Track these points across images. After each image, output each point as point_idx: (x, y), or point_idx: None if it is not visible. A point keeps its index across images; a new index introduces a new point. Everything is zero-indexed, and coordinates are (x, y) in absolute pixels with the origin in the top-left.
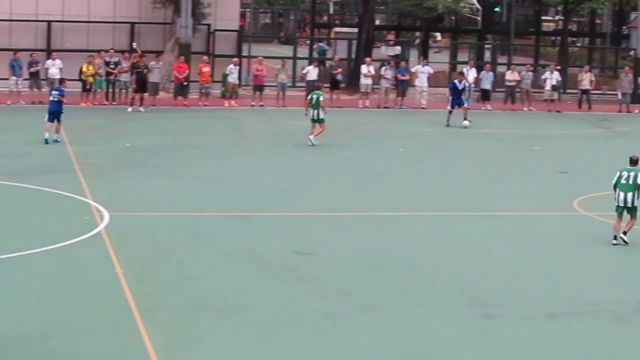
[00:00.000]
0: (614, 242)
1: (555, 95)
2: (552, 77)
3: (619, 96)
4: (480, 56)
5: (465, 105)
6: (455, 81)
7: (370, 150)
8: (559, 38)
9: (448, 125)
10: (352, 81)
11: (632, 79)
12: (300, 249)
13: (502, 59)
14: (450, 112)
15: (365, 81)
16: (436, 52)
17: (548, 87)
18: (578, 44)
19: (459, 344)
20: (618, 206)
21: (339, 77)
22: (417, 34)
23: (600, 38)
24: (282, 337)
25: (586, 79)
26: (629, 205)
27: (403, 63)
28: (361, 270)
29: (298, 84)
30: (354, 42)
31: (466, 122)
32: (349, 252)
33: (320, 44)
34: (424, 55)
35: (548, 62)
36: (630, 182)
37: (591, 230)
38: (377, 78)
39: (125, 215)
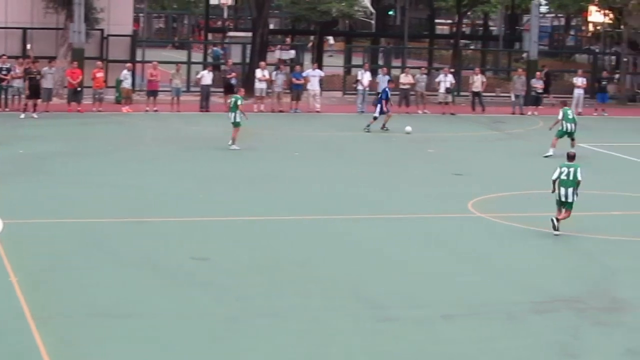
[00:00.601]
0: (556, 233)
1: (449, 98)
2: (446, 80)
3: (512, 98)
4: (375, 59)
5: (390, 113)
6: (387, 89)
7: (266, 154)
8: (452, 41)
9: (385, 129)
10: (247, 85)
11: (525, 81)
12: (197, 254)
13: (396, 62)
14: (375, 118)
15: (259, 85)
16: (330, 55)
17: (442, 89)
18: (471, 47)
19: (356, 347)
20: (559, 200)
21: (234, 81)
22: (312, 37)
23: (493, 40)
24: (180, 344)
25: (477, 81)
26: (569, 200)
27: (297, 67)
28: (259, 275)
29: (192, 89)
30: (249, 47)
31: (408, 128)
32: (246, 257)
33: (215, 48)
34: (317, 59)
35: (442, 65)
36: (571, 177)
37: (486, 232)
38: (271, 82)
39: (20, 222)
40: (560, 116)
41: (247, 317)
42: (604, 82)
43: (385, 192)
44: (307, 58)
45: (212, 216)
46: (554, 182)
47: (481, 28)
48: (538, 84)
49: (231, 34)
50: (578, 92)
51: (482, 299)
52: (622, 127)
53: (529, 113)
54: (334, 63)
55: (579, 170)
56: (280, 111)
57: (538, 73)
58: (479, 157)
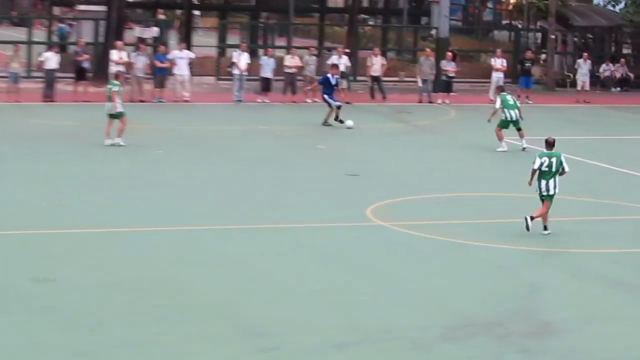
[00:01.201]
0: (545, 232)
1: (345, 84)
2: (339, 63)
3: (419, 83)
4: (254, 38)
5: (339, 103)
6: (329, 75)
7: (123, 153)
8: (347, 16)
9: (337, 120)
10: (101, 70)
11: (434, 64)
12: (39, 275)
13: (280, 42)
14: (339, 107)
15: (116, 69)
16: (202, 34)
17: None
18: (370, 23)
19: None
20: (541, 194)
21: (85, 64)
22: (178, 12)
23: (396, 15)
24: None
25: (376, 64)
26: (550, 193)
27: (161, 48)
28: (115, 298)
29: (34, 74)
30: (102, 23)
31: (349, 122)
32: (100, 276)
33: (61, 25)
34: (186, 38)
35: (335, 45)
36: (553, 169)
37: (388, 244)
38: (130, 66)
39: None
40: (498, 104)
41: (99, 349)
42: (527, 64)
43: (268, 198)
44: (173, 37)
45: (59, 228)
46: (533, 172)
47: (381, 1)
48: (449, 67)
49: (81, 7)
50: (497, 76)
51: (383, 324)
52: (550, 116)
53: (439, 101)
54: (206, 43)
55: (563, 159)
56: (141, 101)
57: (449, 54)
58: (380, 155)
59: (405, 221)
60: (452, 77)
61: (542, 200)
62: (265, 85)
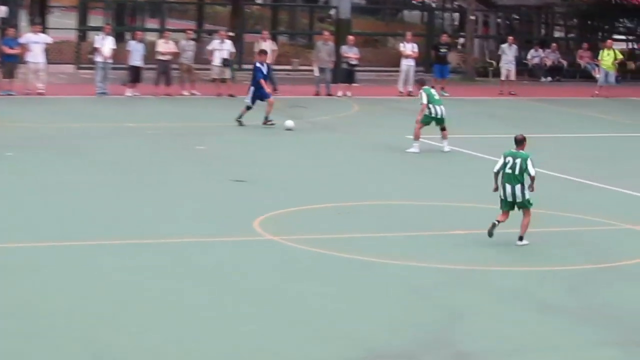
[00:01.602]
0: (490, 237)
1: (228, 74)
2: (222, 48)
3: (316, 73)
4: (121, 20)
5: (271, 99)
6: (257, 63)
7: None
8: None
9: (240, 124)
10: None
11: (333, 49)
12: None
13: (151, 24)
14: (249, 107)
15: None
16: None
17: (217, 61)
18: (258, 2)
19: None
20: (505, 201)
21: None
22: None
23: None
24: None
25: (265, 49)
26: (518, 200)
27: (10, 31)
28: None
29: None
30: None
31: (289, 123)
32: None
33: None
34: (40, 18)
35: (216, 27)
36: (517, 172)
37: (279, 262)
38: None
39: None
40: (424, 99)
41: None
42: (443, 50)
43: (138, 208)
44: (24, 18)
45: None
46: (495, 175)
47: None
48: (351, 53)
49: None
50: (407, 64)
51: (272, 355)
52: (469, 111)
53: (340, 93)
54: (63, 25)
55: (529, 162)
56: None
57: (351, 38)
58: (269, 157)
59: (299, 235)
60: (354, 65)
61: (506, 208)
62: (134, 76)
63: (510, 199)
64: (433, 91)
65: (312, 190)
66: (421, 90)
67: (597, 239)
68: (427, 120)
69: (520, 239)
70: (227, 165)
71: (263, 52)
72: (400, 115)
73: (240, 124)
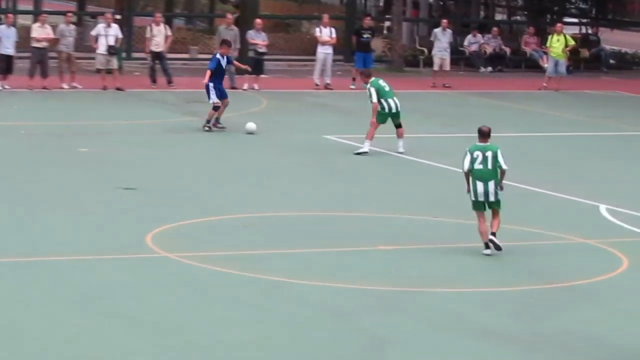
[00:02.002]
0: (487, 252)
1: (114, 63)
2: (108, 34)
3: None
4: None
5: (216, 101)
6: (218, 55)
7: None
8: None
9: (209, 129)
10: None
11: (238, 35)
12: None
13: (24, 5)
14: (216, 107)
15: None
16: None
17: (102, 49)
18: None
19: None
20: (476, 202)
21: None
22: None
23: None
24: None
25: (158, 36)
26: (491, 199)
27: None
28: None
29: None
30: None
31: (251, 125)
32: None
33: None
34: None
35: (101, 9)
36: (489, 165)
37: (174, 283)
38: None
39: None
40: (374, 96)
41: None
42: (366, 36)
43: (8, 222)
44: None
45: None
46: (466, 175)
47: None
48: (259, 39)
49: None
50: (324, 52)
51: None
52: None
53: (246, 86)
54: None
55: (499, 153)
56: None
57: (259, 21)
58: (164, 161)
59: (199, 252)
60: (263, 54)
61: (480, 212)
62: (5, 66)
63: (482, 198)
64: (382, 82)
65: (214, 199)
66: (368, 85)
67: (546, 255)
68: (382, 118)
69: (493, 235)
70: (114, 170)
71: (226, 43)
72: (317, 111)
73: (211, 129)
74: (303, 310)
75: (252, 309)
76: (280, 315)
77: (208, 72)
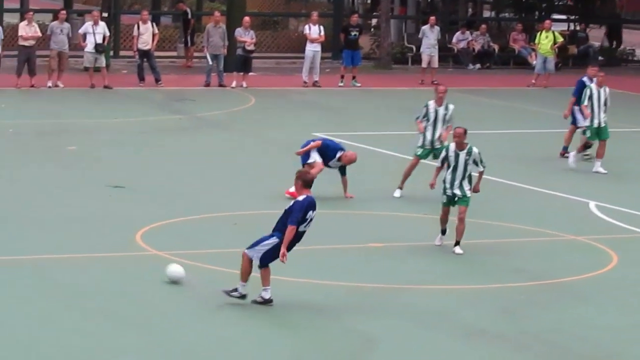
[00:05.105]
0: (458, 251)
1: (103, 61)
2: (95, 32)
3: (209, 61)
4: None
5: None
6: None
7: None
8: None
9: None
10: None
11: (224, 32)
12: None
13: (10, 3)
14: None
15: None
16: None
17: (89, 47)
18: None
19: None
20: (448, 197)
21: None
22: None
23: None
24: None
25: (145, 34)
26: (457, 192)
27: None
28: None
29: None
30: None
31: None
32: None
33: None
34: None
35: (88, 8)
36: (461, 167)
37: (165, 284)
38: None
39: None
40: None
41: None
42: (354, 33)
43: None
44: None
45: None
46: (437, 169)
47: None
48: (247, 37)
49: None
50: (312, 50)
51: None
52: (383, 104)
53: (234, 84)
54: None
55: (477, 154)
56: None
57: (246, 19)
58: (152, 159)
59: (190, 249)
60: (250, 52)
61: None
62: None
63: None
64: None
65: (204, 197)
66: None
67: (534, 252)
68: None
69: (457, 244)
70: (102, 168)
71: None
72: (304, 109)
73: None
74: (290, 308)
75: (241, 306)
76: (268, 312)
77: None
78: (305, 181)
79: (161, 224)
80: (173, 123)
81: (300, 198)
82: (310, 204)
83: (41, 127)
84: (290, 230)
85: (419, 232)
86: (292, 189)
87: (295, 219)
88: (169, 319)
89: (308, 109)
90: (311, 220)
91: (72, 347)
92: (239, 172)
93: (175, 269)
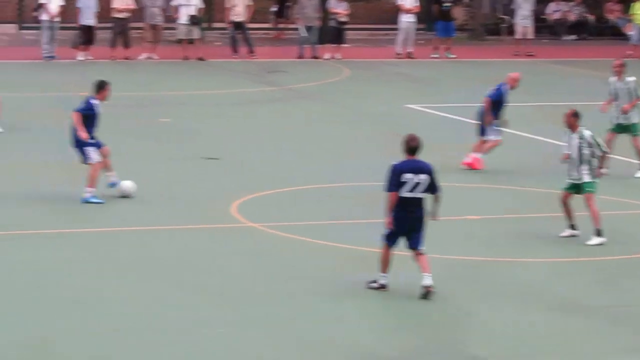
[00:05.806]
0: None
1: (196, 33)
2: (189, 4)
3: (302, 32)
4: None
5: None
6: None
7: None
8: None
9: None
10: None
11: (319, 4)
12: None
13: None
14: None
15: None
16: None
17: (183, 19)
18: None
19: None
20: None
21: None
22: None
23: None
24: None
25: (239, 5)
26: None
27: None
28: None
29: None
30: None
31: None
32: None
33: None
34: None
35: None
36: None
37: (262, 255)
38: None
39: None
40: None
41: None
42: (447, 4)
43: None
44: None
45: None
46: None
47: None
48: (340, 8)
49: None
50: (407, 21)
51: None
52: (477, 75)
53: (327, 56)
54: None
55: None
56: None
57: None
58: (245, 131)
59: (285, 222)
60: (343, 23)
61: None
62: (87, 36)
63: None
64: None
65: (298, 169)
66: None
67: (632, 226)
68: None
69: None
70: (196, 140)
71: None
72: (398, 81)
73: None
74: (393, 281)
75: (340, 282)
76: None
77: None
78: (406, 147)
79: (256, 195)
80: (266, 95)
81: (396, 162)
82: (406, 168)
83: (135, 99)
84: (388, 197)
85: (518, 204)
86: (469, 159)
87: (387, 185)
88: (263, 292)
89: (401, 80)
90: (417, 184)
91: (167, 320)
92: (333, 144)
93: (128, 184)
